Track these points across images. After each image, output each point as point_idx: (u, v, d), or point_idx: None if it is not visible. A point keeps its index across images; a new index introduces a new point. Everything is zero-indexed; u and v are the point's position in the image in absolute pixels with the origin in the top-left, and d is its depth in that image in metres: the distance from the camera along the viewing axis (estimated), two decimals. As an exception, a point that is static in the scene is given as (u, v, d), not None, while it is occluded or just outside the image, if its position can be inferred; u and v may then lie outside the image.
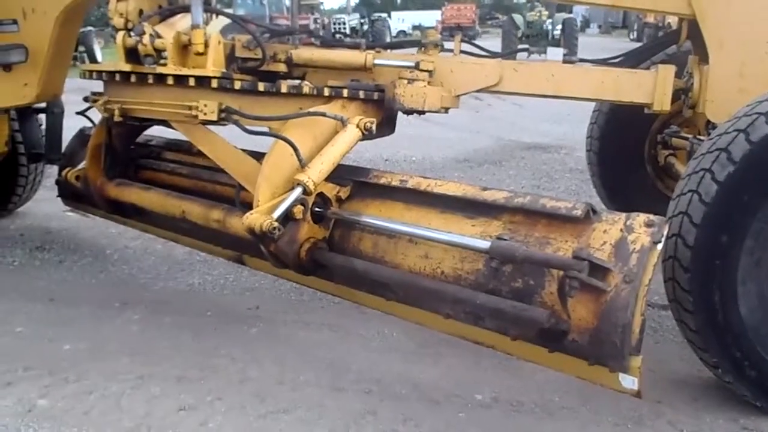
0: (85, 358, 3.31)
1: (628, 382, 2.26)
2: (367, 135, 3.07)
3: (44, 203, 5.82)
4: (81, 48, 19.89)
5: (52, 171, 4.74)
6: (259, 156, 3.19)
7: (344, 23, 34.39)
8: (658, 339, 3.60)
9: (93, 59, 19.72)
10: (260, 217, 2.70)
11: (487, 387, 3.09)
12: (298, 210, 2.86)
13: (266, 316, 3.83)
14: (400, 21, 55.63)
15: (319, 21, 30.21)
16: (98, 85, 3.67)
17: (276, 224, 2.68)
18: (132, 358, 3.32)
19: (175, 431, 2.75)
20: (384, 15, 41.72)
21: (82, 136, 4.29)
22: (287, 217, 2.81)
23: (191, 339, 3.53)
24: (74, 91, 3.85)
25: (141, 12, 3.45)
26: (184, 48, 3.21)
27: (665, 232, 2.24)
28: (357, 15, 37.12)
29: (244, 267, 4.43)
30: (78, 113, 4.20)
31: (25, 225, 5.40)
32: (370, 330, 3.65)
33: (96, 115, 3.80)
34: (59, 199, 4.47)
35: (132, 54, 3.28)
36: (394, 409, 2.90)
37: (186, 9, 3.42)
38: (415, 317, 2.81)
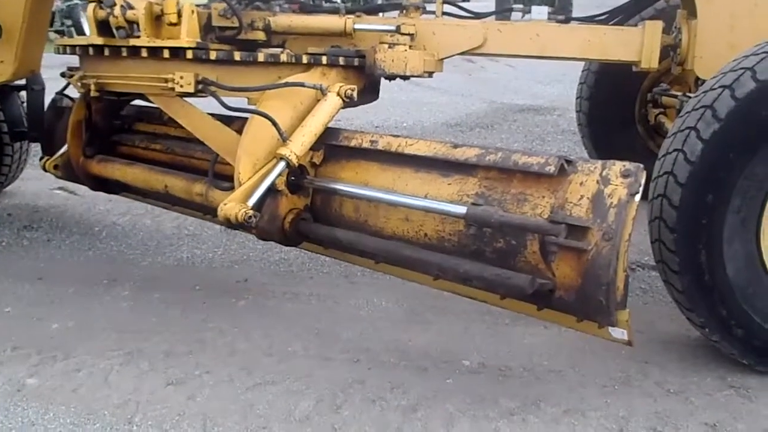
0: (74, 336, 3.30)
1: (618, 333, 2.30)
2: (348, 102, 3.02)
3: (31, 182, 5.78)
4: (68, 22, 19.61)
5: (37, 149, 4.68)
6: (236, 120, 3.14)
7: (335, -12, 33.91)
8: (647, 300, 3.60)
9: (81, 33, 19.45)
10: (235, 207, 2.68)
11: (475, 353, 3.08)
12: (281, 181, 2.83)
13: (255, 288, 3.82)
14: (393, -16, 54.75)
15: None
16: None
17: (251, 212, 2.67)
18: (120, 334, 3.31)
19: (164, 406, 2.75)
20: (375, -22, 40.99)
21: (55, 108, 4.21)
22: (267, 191, 2.78)
23: (180, 314, 3.52)
24: (57, 68, 3.78)
25: (113, -18, 3.35)
26: (157, 19, 3.12)
27: (642, 181, 2.20)
28: (348, -21, 36.49)
29: (233, 240, 4.46)
30: (58, 93, 4.15)
31: (13, 204, 5.36)
32: (359, 299, 3.64)
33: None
34: (46, 177, 4.43)
35: (104, 26, 3.19)
36: (381, 377, 2.90)
37: (159, -22, 3.33)
38: (406, 276, 2.83)
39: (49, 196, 5.59)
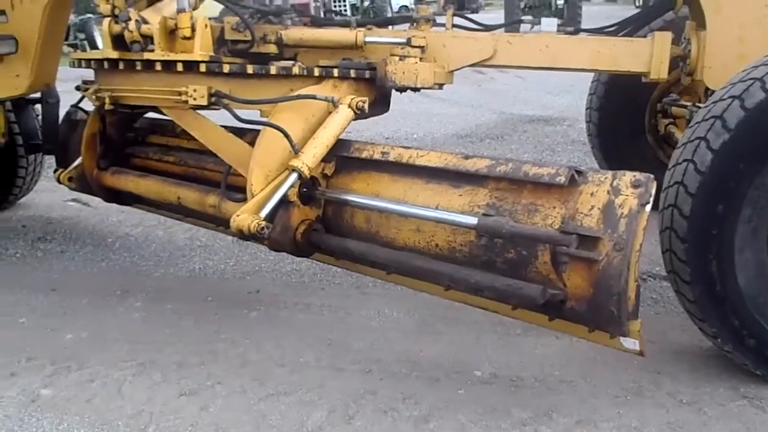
0: (87, 347, 3.33)
1: (630, 343, 2.30)
2: (359, 114, 3.05)
3: (45, 194, 5.84)
4: (81, 36, 19.84)
5: (51, 161, 4.74)
6: (248, 132, 3.18)
7: (344, 1, 33.99)
8: (659, 310, 3.58)
9: (94, 47, 19.65)
10: (248, 218, 2.70)
11: (487, 363, 3.09)
12: (293, 193, 2.86)
13: (266, 299, 3.83)
14: (402, -4, 55.06)
15: (319, 0, 29.85)
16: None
17: (263, 223, 2.70)
18: (133, 345, 3.34)
19: (177, 416, 2.77)
20: (385, -10, 41.21)
21: (69, 121, 4.27)
22: (280, 202, 2.81)
23: (192, 325, 3.54)
24: (72, 81, 3.84)
25: (128, -3, 3.41)
26: (171, 33, 3.17)
27: (653, 191, 2.20)
28: (357, -9, 36.61)
29: (245, 251, 4.48)
30: (73, 106, 4.21)
31: (27, 216, 5.42)
32: (370, 310, 3.65)
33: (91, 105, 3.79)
34: (59, 189, 4.48)
35: (119, 41, 3.25)
36: (393, 388, 2.91)
37: (173, -7, 3.38)
38: (417, 286, 2.84)
39: (62, 207, 5.65)
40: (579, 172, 2.35)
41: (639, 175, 2.25)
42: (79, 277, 4.26)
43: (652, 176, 2.25)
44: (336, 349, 3.26)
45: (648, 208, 2.18)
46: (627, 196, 2.22)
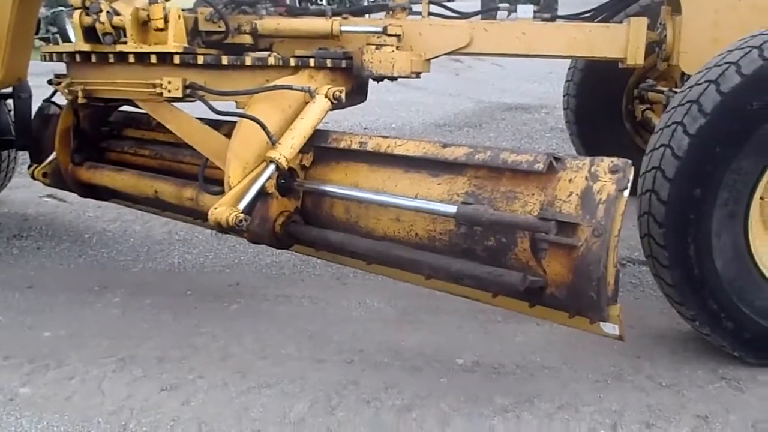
0: (66, 344, 3.29)
1: (610, 328, 2.32)
2: (336, 104, 3.03)
3: (19, 190, 5.74)
4: (53, 29, 19.51)
5: (25, 157, 4.66)
6: (224, 124, 3.15)
7: (321, -10, 33.86)
8: (638, 295, 3.62)
9: (66, 40, 19.35)
10: (226, 211, 2.69)
11: (469, 351, 3.09)
12: (271, 184, 2.84)
13: (246, 291, 3.81)
14: (379, -15, 54.84)
15: (296, -11, 29.61)
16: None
17: (242, 216, 2.69)
18: (112, 341, 3.30)
19: (158, 411, 2.74)
20: (361, -21, 41.00)
21: (42, 115, 4.21)
22: (258, 194, 2.79)
23: (172, 319, 3.51)
24: (45, 75, 3.77)
25: (99, -12, 3.34)
26: (143, 24, 3.12)
27: (630, 177, 2.22)
28: (334, -19, 36.41)
29: (224, 244, 4.45)
30: (46, 100, 4.14)
31: (1, 213, 5.32)
32: (351, 301, 3.64)
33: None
34: (34, 185, 4.41)
35: (91, 33, 3.18)
36: (375, 378, 2.91)
37: (144, -17, 3.32)
38: (397, 276, 2.84)
39: (37, 204, 5.56)
40: (557, 159, 2.35)
41: (617, 161, 2.26)
42: (56, 274, 4.20)
43: (629, 162, 2.26)
44: (317, 340, 3.25)
45: (626, 193, 2.19)
46: (605, 181, 2.23)
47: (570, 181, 2.29)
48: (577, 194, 2.25)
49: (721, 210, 2.66)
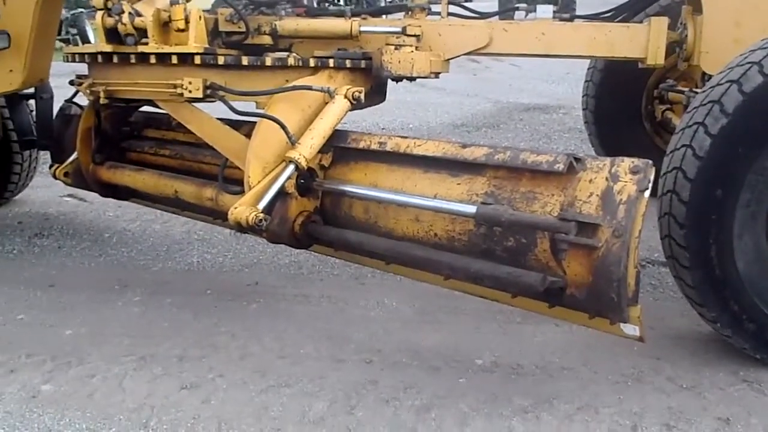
0: (87, 342, 3.32)
1: (630, 329, 2.31)
2: (356, 105, 3.04)
3: (41, 190, 5.82)
4: (74, 30, 19.73)
5: (46, 157, 4.72)
6: (244, 124, 3.17)
7: (338, -10, 33.95)
8: (657, 296, 3.59)
9: (86, 42, 19.54)
10: (245, 210, 2.70)
11: (488, 351, 3.09)
12: (290, 184, 2.85)
13: (265, 291, 3.83)
14: (396, -15, 54.92)
15: (312, -10, 29.69)
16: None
17: (261, 215, 2.70)
18: (133, 339, 3.33)
19: (178, 410, 2.76)
20: (378, -20, 41.06)
21: (64, 116, 4.25)
22: (277, 194, 2.80)
23: (192, 318, 3.54)
24: (66, 76, 3.82)
25: (120, -10, 3.38)
26: (164, 25, 3.14)
27: (651, 177, 2.20)
28: (351, -19, 36.51)
29: (243, 244, 4.48)
30: (67, 101, 4.19)
31: (23, 212, 5.40)
32: (370, 300, 3.65)
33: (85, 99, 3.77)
34: (55, 185, 4.46)
35: (113, 34, 3.22)
36: (394, 378, 2.91)
37: (166, -15, 3.35)
38: (416, 276, 2.84)
39: (58, 203, 5.63)
40: (577, 159, 2.34)
41: (637, 161, 2.24)
42: (77, 273, 4.24)
43: (650, 162, 2.25)
44: (336, 340, 3.26)
45: (647, 194, 2.18)
46: (625, 182, 2.22)
47: (590, 181, 2.28)
48: (597, 195, 2.24)
49: (743, 211, 2.64)
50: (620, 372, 2.89)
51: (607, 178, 2.25)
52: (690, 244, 2.66)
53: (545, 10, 3.71)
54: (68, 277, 4.16)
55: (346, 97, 2.98)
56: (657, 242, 2.90)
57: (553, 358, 3.02)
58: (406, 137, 2.85)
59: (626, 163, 2.26)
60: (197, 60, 3.05)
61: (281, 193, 2.82)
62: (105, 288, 3.94)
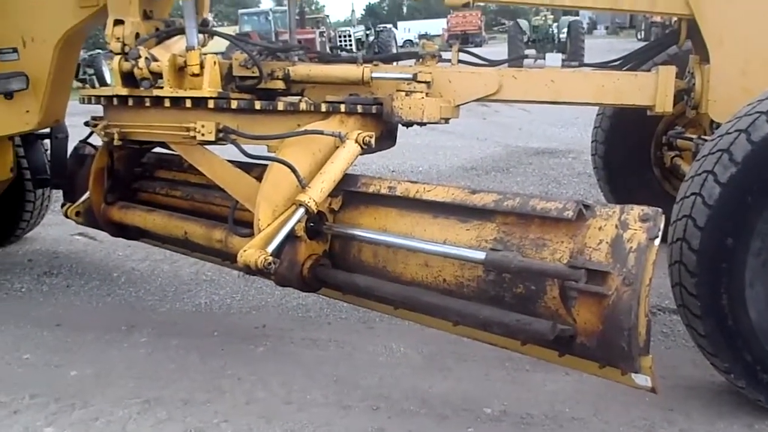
0: (92, 384, 3.31)
1: (641, 380, 2.26)
2: (366, 149, 3.06)
3: (51, 228, 5.86)
4: (90, 71, 20.11)
5: (59, 196, 4.76)
6: (255, 167, 3.19)
7: (349, 36, 34.48)
8: (669, 344, 3.54)
9: (103, 82, 19.89)
10: (255, 253, 2.70)
11: (496, 400, 3.04)
12: (300, 227, 2.86)
13: (273, 334, 3.81)
14: (406, 31, 56.03)
15: (324, 35, 30.25)
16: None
17: (270, 259, 2.69)
18: (138, 382, 3.31)
19: (182, 455, 2.73)
20: (389, 26, 41.84)
21: (77, 156, 4.31)
22: (287, 237, 2.81)
23: (198, 360, 3.51)
24: (81, 115, 3.88)
25: (137, 35, 3.46)
26: (180, 70, 3.21)
27: (661, 225, 2.19)
28: (362, 27, 37.16)
29: (251, 286, 4.47)
30: (82, 141, 4.25)
31: (33, 250, 5.43)
32: (378, 345, 3.62)
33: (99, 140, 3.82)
34: (66, 223, 4.49)
35: (129, 78, 3.29)
36: (401, 426, 2.87)
37: (182, 31, 3.43)
38: (425, 322, 2.82)
39: (68, 241, 5.66)
40: (587, 206, 2.34)
41: (647, 209, 2.24)
42: (85, 312, 4.25)
43: (660, 210, 2.24)
44: (343, 385, 3.23)
45: (657, 242, 2.17)
46: (635, 230, 2.21)
47: (600, 228, 2.28)
48: (607, 242, 2.23)
49: (755, 259, 2.62)
50: (632, 423, 2.83)
51: (616, 226, 2.25)
52: (701, 293, 2.64)
53: (554, 58, 3.75)
54: (75, 317, 4.16)
55: (356, 141, 3.00)
56: (668, 289, 2.87)
57: (563, 408, 2.97)
58: (415, 182, 2.86)
59: (636, 210, 2.26)
60: (211, 104, 3.10)
61: (290, 237, 2.83)
62: (112, 328, 3.94)
